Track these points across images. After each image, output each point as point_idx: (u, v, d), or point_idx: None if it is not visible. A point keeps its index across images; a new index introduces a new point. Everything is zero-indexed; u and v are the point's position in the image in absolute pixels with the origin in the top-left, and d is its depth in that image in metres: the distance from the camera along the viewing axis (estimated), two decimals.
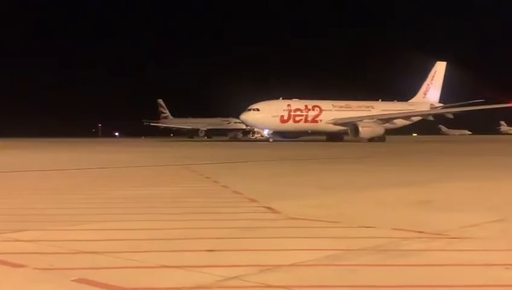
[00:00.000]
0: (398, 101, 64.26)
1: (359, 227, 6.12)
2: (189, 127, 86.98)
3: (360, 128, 51.65)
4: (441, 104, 65.03)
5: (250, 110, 52.65)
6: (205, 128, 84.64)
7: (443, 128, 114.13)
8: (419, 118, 61.16)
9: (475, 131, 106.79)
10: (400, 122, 59.33)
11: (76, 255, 4.82)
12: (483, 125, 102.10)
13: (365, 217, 6.85)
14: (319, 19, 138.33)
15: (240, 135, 65.39)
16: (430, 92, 66.49)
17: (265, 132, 55.31)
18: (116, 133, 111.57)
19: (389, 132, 63.55)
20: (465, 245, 5.19)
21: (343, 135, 54.83)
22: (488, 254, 4.82)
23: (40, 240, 5.41)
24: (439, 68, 67.44)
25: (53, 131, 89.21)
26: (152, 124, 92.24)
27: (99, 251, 4.90)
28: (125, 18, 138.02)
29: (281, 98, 54.96)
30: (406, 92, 67.85)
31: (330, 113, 55.53)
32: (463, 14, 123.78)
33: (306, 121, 54.50)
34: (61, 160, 23.14)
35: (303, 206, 7.86)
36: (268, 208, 7.59)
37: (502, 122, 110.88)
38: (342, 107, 57.04)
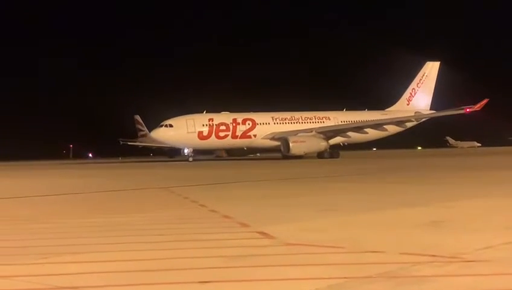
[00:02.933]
0: (370, 110, 61.34)
1: (364, 252, 6.17)
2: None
3: (290, 144, 50.13)
4: (432, 112, 62.56)
5: (162, 126, 51.38)
6: None
7: (451, 140, 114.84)
8: (381, 132, 56.85)
9: (486, 143, 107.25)
10: (356, 136, 55.69)
11: None
12: (495, 136, 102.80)
13: (371, 240, 6.90)
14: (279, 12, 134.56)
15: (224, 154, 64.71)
16: (417, 98, 63.58)
17: (186, 151, 53.97)
18: (90, 154, 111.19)
19: (354, 146, 61.26)
20: (483, 269, 5.25)
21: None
22: (507, 279, 4.89)
23: (11, 276, 5.39)
24: (430, 69, 64.44)
25: (16, 153, 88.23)
26: (129, 143, 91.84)
27: (79, 285, 4.91)
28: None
29: (204, 112, 53.66)
30: (391, 99, 64.87)
31: (267, 127, 54.05)
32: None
33: (234, 136, 52.76)
34: (26, 186, 23.01)
35: (300, 230, 7.91)
36: (262, 233, 7.62)
37: None
38: (285, 119, 55.32)
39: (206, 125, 51.80)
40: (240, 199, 13.43)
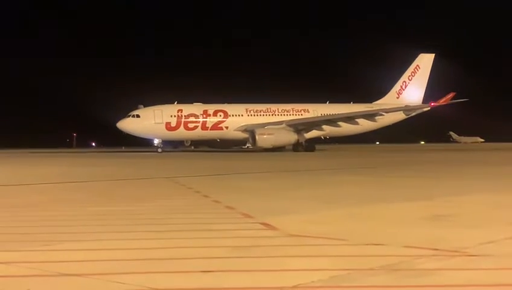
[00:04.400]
0: (356, 103, 59.03)
1: (367, 244, 6.16)
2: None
3: (256, 136, 49.50)
4: (421, 105, 60.36)
5: (129, 116, 51.40)
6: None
7: (454, 135, 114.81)
8: (353, 126, 54.44)
9: (489, 138, 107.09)
10: (332, 130, 54.38)
11: (56, 277, 4.83)
12: (498, 131, 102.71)
13: (373, 233, 6.89)
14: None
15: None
16: (408, 91, 61.48)
17: (155, 141, 53.42)
18: (93, 144, 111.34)
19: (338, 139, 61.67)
20: (486, 263, 5.24)
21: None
22: (510, 274, 4.87)
23: (13, 262, 5.40)
24: (424, 62, 62.37)
25: (19, 142, 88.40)
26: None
27: (81, 273, 4.91)
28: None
29: (176, 102, 53.30)
30: (383, 92, 62.95)
31: (240, 119, 53.37)
32: None
33: (204, 128, 52.39)
34: (29, 173, 23.05)
35: (303, 221, 7.90)
36: (265, 224, 7.62)
37: None
38: (260, 111, 54.47)
39: (175, 116, 51.54)
40: (242, 190, 13.44)
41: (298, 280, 4.58)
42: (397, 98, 61.66)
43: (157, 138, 52.68)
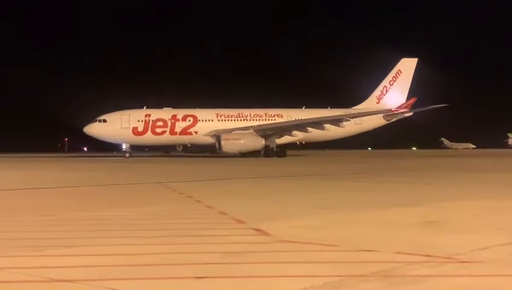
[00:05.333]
0: (333, 108, 57.55)
1: (359, 251, 6.17)
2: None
3: (222, 141, 48.75)
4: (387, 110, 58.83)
5: (96, 121, 51.16)
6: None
7: (446, 141, 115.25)
8: (323, 132, 52.50)
9: (481, 145, 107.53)
10: (303, 135, 53.53)
11: (48, 283, 4.82)
12: (490, 138, 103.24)
13: (366, 239, 6.91)
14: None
15: None
16: (389, 96, 60.18)
17: (123, 147, 52.72)
18: (85, 148, 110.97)
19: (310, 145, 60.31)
20: (478, 270, 5.26)
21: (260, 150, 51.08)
22: (502, 280, 4.90)
23: (5, 268, 5.37)
24: (406, 66, 61.12)
25: (9, 146, 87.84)
26: None
27: (73, 278, 4.90)
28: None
29: (145, 107, 53.10)
30: (365, 97, 61.64)
31: (210, 124, 52.73)
32: None
33: (173, 133, 51.98)
34: (20, 178, 22.94)
35: (295, 227, 7.91)
36: (258, 229, 7.62)
37: (510, 135, 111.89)
38: (231, 116, 53.73)
39: (142, 121, 51.27)
40: (234, 196, 13.43)
41: (291, 286, 4.59)
42: (377, 103, 60.49)
43: (124, 143, 52.21)
